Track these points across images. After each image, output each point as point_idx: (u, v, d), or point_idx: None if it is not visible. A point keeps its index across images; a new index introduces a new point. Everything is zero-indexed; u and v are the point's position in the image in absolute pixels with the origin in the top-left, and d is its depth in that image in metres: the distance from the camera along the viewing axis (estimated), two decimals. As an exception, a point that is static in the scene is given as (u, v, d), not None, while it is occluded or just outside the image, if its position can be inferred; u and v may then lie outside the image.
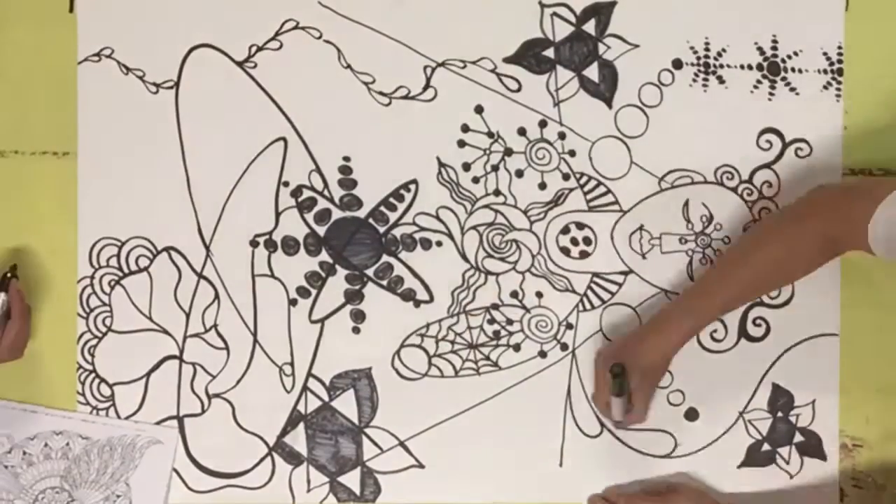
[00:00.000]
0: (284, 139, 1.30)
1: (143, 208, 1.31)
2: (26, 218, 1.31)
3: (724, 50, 1.29)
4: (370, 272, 1.30)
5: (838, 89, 1.28)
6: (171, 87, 1.30)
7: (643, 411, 1.25)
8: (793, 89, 1.29)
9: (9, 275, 1.24)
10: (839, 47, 1.28)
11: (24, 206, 1.31)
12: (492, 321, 1.30)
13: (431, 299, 1.30)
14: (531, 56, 1.29)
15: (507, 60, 1.29)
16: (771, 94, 1.29)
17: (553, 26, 1.29)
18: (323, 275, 1.30)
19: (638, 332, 1.25)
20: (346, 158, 1.29)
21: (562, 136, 1.29)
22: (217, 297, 1.30)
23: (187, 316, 1.30)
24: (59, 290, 1.31)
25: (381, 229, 1.30)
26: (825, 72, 1.28)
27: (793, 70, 1.29)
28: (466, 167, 1.29)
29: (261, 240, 1.30)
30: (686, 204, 1.29)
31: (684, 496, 1.25)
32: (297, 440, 1.30)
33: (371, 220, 1.30)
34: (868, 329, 1.27)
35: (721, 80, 1.29)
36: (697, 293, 1.23)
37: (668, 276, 1.29)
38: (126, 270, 1.31)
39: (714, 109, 1.29)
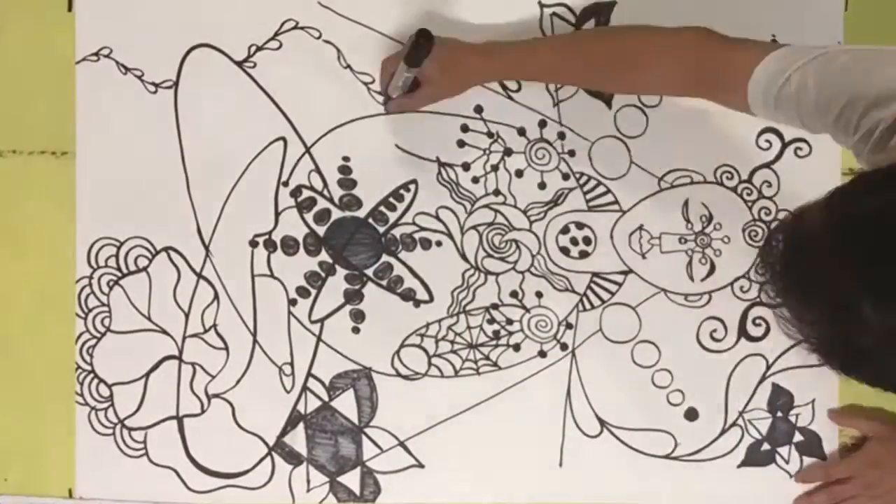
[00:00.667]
0: (284, 139, 1.29)
1: (141, 208, 1.30)
2: (25, 218, 1.31)
3: (723, 50, 1.29)
4: (370, 272, 1.30)
5: (838, 89, 1.29)
6: (169, 87, 1.30)
7: (417, 104, 1.24)
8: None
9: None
10: (839, 47, 1.28)
11: (22, 206, 1.31)
12: (491, 321, 1.30)
13: (431, 299, 1.30)
14: (531, 56, 1.29)
15: (507, 60, 1.29)
16: (770, 94, 1.29)
17: (553, 26, 1.29)
18: (322, 275, 1.30)
19: (462, 42, 1.21)
20: (346, 158, 1.29)
21: (561, 136, 1.29)
22: (216, 297, 1.30)
23: (186, 316, 1.30)
24: (57, 290, 1.31)
25: (381, 229, 1.30)
26: (825, 72, 1.29)
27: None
28: (466, 167, 1.29)
29: (260, 240, 1.30)
30: (686, 204, 1.30)
31: (878, 440, 1.24)
32: (297, 440, 1.30)
33: (371, 220, 1.30)
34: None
35: (721, 80, 1.29)
36: (531, 44, 1.21)
37: (668, 276, 1.29)
38: (125, 270, 1.30)
39: (714, 109, 1.28)
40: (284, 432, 1.30)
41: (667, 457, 1.30)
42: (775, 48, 1.03)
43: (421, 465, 1.31)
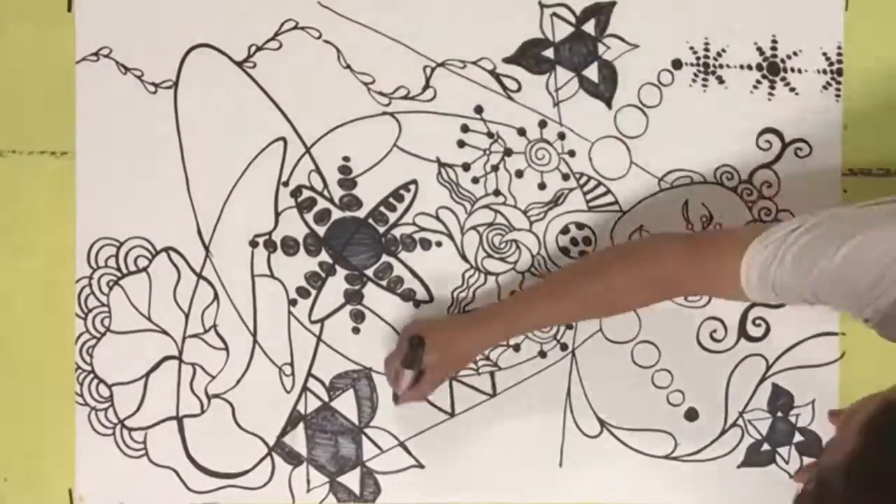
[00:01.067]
0: (284, 139, 1.29)
1: (141, 208, 1.30)
2: (24, 218, 1.31)
3: (723, 50, 1.29)
4: (370, 272, 1.30)
5: (838, 89, 1.29)
6: (169, 87, 1.30)
7: (426, 393, 1.24)
8: (792, 89, 1.29)
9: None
10: (839, 47, 1.28)
11: (22, 206, 1.31)
12: (491, 321, 1.30)
13: (431, 299, 1.30)
14: (531, 56, 1.29)
15: (507, 61, 1.29)
16: (771, 94, 1.29)
17: (553, 26, 1.29)
18: (323, 275, 1.30)
19: (454, 319, 1.26)
20: (346, 158, 1.29)
21: (561, 136, 1.29)
22: (216, 297, 1.30)
23: (186, 316, 1.30)
24: (57, 290, 1.31)
25: (381, 229, 1.30)
26: (825, 72, 1.29)
27: (792, 70, 1.29)
28: (466, 167, 1.29)
29: (260, 240, 1.30)
30: (686, 204, 1.29)
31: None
32: (297, 440, 1.30)
33: (371, 221, 1.30)
34: (868, 329, 1.27)
35: (721, 81, 1.29)
36: (520, 304, 1.23)
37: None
38: (125, 271, 1.30)
39: (714, 109, 1.29)
40: (284, 432, 1.30)
41: (667, 457, 1.30)
42: (749, 238, 1.05)
43: (421, 466, 1.31)
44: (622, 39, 1.29)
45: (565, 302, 1.18)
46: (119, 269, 1.30)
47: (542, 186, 1.29)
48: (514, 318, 1.20)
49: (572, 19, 1.29)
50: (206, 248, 1.30)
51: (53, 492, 1.31)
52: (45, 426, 1.31)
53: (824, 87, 1.29)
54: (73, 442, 1.31)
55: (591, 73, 1.29)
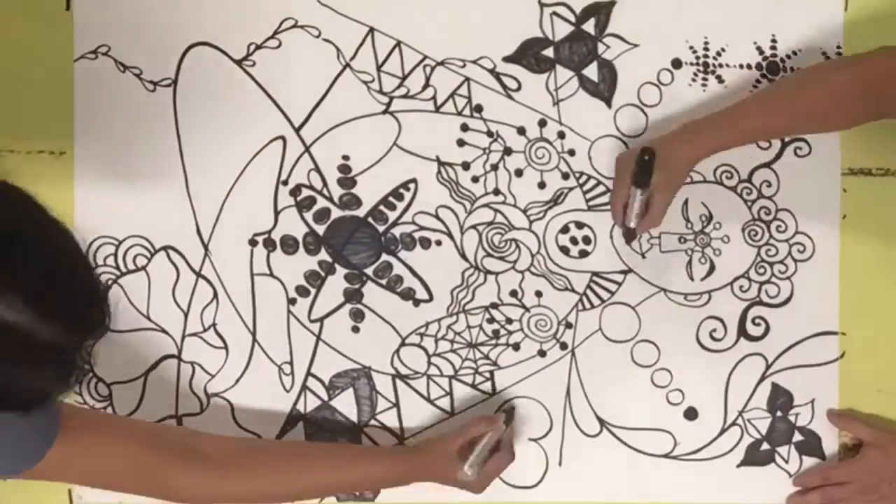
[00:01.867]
0: (283, 138, 1.29)
1: (140, 207, 1.30)
2: (23, 217, 1.30)
3: (723, 50, 1.29)
4: (369, 271, 1.30)
5: (838, 89, 1.29)
6: (168, 85, 1.30)
7: (660, 214, 1.20)
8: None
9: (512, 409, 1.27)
10: (838, 47, 1.28)
11: (20, 205, 1.30)
12: (491, 320, 1.30)
13: (431, 298, 1.30)
14: (531, 55, 1.29)
15: (507, 60, 1.29)
16: (770, 93, 1.29)
17: (552, 25, 1.29)
18: (322, 274, 1.30)
19: (665, 137, 1.22)
20: (346, 157, 1.29)
21: (561, 135, 1.29)
22: (216, 296, 1.30)
23: (185, 315, 1.30)
24: (56, 289, 1.30)
25: (381, 228, 1.30)
26: (825, 72, 1.29)
27: (792, 69, 1.29)
28: (466, 166, 1.29)
29: (259, 239, 1.29)
30: (685, 203, 1.30)
31: (875, 446, 1.25)
32: (297, 439, 1.30)
33: (370, 219, 1.29)
34: (868, 329, 1.27)
35: (720, 80, 1.30)
36: (731, 115, 1.20)
37: (668, 276, 1.30)
38: (124, 269, 1.30)
39: (713, 109, 1.28)
40: (284, 431, 1.30)
41: (666, 456, 1.30)
42: None
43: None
44: (622, 39, 1.29)
45: (779, 109, 1.17)
46: (118, 268, 1.30)
47: (541, 185, 1.29)
48: (730, 126, 1.19)
49: (572, 18, 1.29)
50: (206, 247, 1.29)
51: (53, 491, 1.31)
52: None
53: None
54: (72, 441, 1.31)
55: (591, 72, 1.29)
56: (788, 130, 1.23)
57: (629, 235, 1.26)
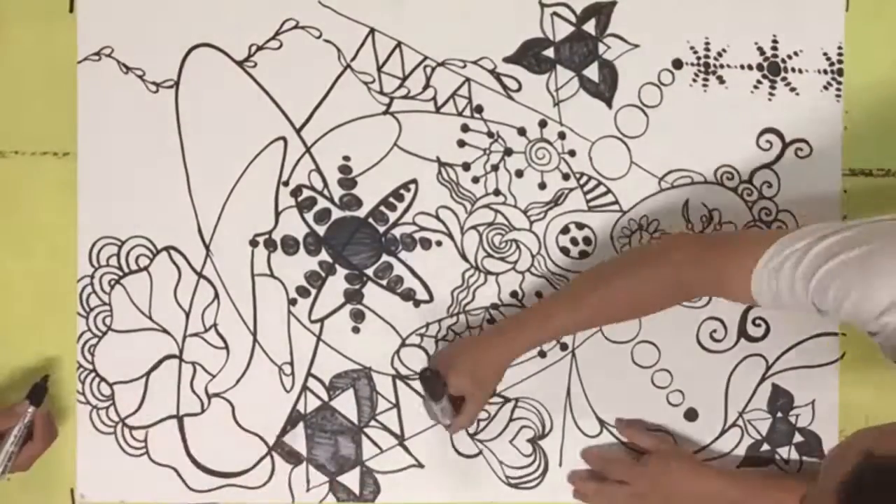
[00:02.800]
0: (284, 139, 1.30)
1: (142, 208, 1.30)
2: (26, 218, 1.31)
3: (724, 50, 1.29)
4: (370, 272, 1.30)
5: (838, 89, 1.28)
6: (171, 87, 1.30)
7: (470, 417, 1.24)
8: (793, 89, 1.29)
9: (43, 383, 1.24)
10: (839, 47, 1.28)
11: (24, 206, 1.31)
12: (491, 321, 1.30)
13: (431, 299, 1.30)
14: (531, 56, 1.29)
15: (507, 60, 1.29)
16: (771, 94, 1.29)
17: (553, 26, 1.29)
18: (322, 274, 1.30)
19: (475, 339, 1.26)
20: (346, 158, 1.29)
21: (562, 135, 1.29)
22: (217, 296, 1.30)
23: (187, 315, 1.30)
24: (59, 289, 1.31)
25: (381, 229, 1.30)
26: (825, 72, 1.29)
27: (793, 70, 1.29)
28: (466, 167, 1.29)
29: (260, 239, 1.30)
30: (686, 204, 1.29)
31: (660, 457, 1.25)
32: (297, 440, 1.30)
33: (371, 220, 1.30)
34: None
35: (721, 80, 1.29)
36: (540, 312, 1.22)
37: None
38: (126, 270, 1.31)
39: (714, 110, 1.29)
40: (284, 432, 1.30)
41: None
42: (765, 243, 1.06)
43: (421, 466, 1.31)
44: (622, 39, 1.29)
45: (584, 309, 1.18)
46: (120, 268, 1.30)
47: (542, 186, 1.30)
48: (536, 329, 1.20)
49: (573, 19, 1.29)
50: (207, 248, 1.30)
51: (55, 490, 1.31)
52: (45, 425, 1.32)
53: (825, 88, 1.29)
54: (75, 440, 1.31)
55: (592, 72, 1.29)
56: (601, 323, 1.26)
57: (449, 429, 1.27)
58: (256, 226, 1.30)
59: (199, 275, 1.30)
